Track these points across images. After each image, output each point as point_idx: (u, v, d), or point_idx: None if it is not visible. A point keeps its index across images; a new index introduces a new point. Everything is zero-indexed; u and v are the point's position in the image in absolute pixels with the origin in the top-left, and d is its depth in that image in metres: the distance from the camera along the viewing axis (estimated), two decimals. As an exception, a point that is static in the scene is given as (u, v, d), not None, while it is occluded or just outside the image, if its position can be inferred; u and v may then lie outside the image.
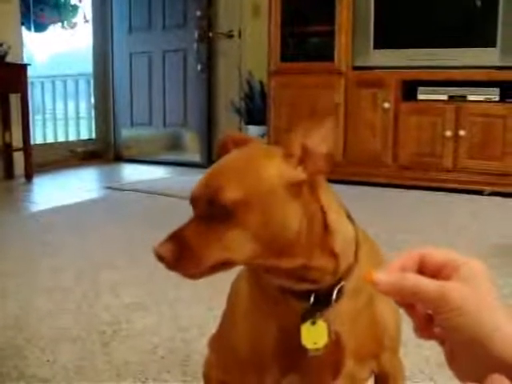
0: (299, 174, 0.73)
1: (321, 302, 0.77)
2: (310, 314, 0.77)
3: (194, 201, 0.73)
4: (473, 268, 0.53)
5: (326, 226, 0.75)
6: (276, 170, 0.72)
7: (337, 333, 0.79)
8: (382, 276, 0.55)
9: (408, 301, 0.56)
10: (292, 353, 0.80)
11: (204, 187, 0.72)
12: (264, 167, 0.72)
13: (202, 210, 0.72)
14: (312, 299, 0.77)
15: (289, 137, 0.74)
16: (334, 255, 0.76)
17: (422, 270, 0.55)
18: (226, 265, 0.72)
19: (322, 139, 0.73)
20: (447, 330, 0.52)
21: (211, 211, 0.70)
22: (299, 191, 0.73)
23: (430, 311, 0.55)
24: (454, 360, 0.54)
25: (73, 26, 7.14)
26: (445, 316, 0.51)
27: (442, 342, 0.55)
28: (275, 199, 0.71)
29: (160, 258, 0.70)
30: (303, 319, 0.78)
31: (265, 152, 0.76)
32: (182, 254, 0.70)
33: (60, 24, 7.04)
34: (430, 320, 0.55)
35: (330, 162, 0.73)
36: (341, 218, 0.78)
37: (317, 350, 0.78)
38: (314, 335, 0.77)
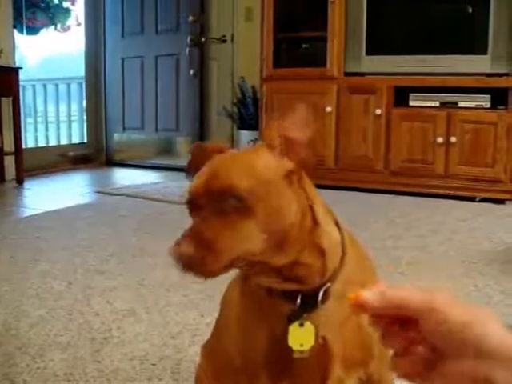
0: (287, 163, 0.75)
1: (307, 303, 0.78)
2: (297, 316, 0.78)
3: (198, 198, 0.73)
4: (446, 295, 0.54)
5: (314, 220, 0.77)
6: (272, 160, 0.74)
7: (324, 338, 0.80)
8: (368, 293, 0.55)
9: (394, 314, 0.55)
10: (282, 359, 0.81)
11: (211, 183, 0.72)
12: (262, 159, 0.74)
13: (211, 205, 0.71)
14: (299, 300, 0.78)
15: (267, 131, 0.76)
16: (321, 252, 0.77)
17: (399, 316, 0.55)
18: (240, 260, 0.72)
19: (297, 127, 0.75)
20: (436, 340, 0.52)
21: (223, 205, 0.70)
22: (291, 180, 0.75)
23: (412, 333, 0.54)
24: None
25: (65, 29, 7.14)
26: (432, 325, 0.51)
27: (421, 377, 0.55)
28: (277, 188, 0.73)
29: (180, 257, 0.69)
30: (290, 320, 0.79)
31: (255, 148, 0.78)
32: (202, 250, 0.69)
33: (53, 27, 7.03)
34: (412, 343, 0.55)
35: (312, 149, 0.75)
36: (326, 215, 0.80)
37: (302, 352, 0.78)
38: (300, 337, 0.78)
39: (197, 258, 0.69)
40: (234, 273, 0.85)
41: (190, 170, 0.84)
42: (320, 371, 0.82)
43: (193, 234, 0.70)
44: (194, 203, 0.73)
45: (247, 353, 0.85)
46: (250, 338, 0.84)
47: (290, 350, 0.78)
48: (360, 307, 0.55)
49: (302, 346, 0.78)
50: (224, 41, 5.13)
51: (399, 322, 0.55)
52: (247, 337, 0.85)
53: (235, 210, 0.70)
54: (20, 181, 4.46)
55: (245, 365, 0.85)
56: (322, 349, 0.80)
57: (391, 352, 0.57)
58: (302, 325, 0.78)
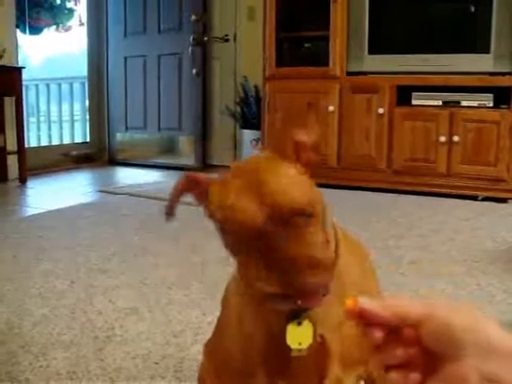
0: (301, 168, 0.76)
1: None
2: (295, 314, 0.78)
3: (259, 226, 0.70)
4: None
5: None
6: (294, 168, 0.75)
7: (322, 336, 0.80)
8: (367, 301, 0.54)
9: (391, 324, 0.54)
10: (280, 358, 0.81)
11: (274, 209, 0.70)
12: (291, 169, 0.75)
13: (279, 228, 0.70)
14: None
15: (279, 141, 0.77)
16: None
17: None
18: None
19: (304, 132, 0.77)
20: (436, 346, 0.52)
21: (293, 223, 0.70)
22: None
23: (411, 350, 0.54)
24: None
25: (66, 29, 7.16)
26: (433, 332, 0.51)
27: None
28: (315, 191, 0.75)
29: (318, 287, 0.70)
30: (288, 319, 0.78)
31: (272, 159, 0.77)
32: (322, 272, 0.70)
33: (55, 27, 7.05)
34: (408, 353, 0.54)
35: (317, 151, 0.77)
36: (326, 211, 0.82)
37: (300, 350, 0.78)
38: (299, 335, 0.78)
39: (322, 281, 0.70)
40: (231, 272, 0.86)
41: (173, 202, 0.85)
42: (318, 370, 0.82)
43: (302, 261, 0.69)
44: (254, 232, 0.71)
45: (246, 352, 0.85)
46: (248, 336, 0.84)
47: (288, 348, 0.78)
48: (357, 314, 0.54)
49: (300, 344, 0.78)
50: (226, 40, 5.14)
51: (392, 332, 0.54)
52: (245, 335, 0.85)
53: (305, 223, 0.71)
54: (23, 180, 4.47)
55: (244, 364, 0.86)
56: (320, 348, 0.80)
57: (381, 368, 0.55)
58: (300, 323, 0.78)
